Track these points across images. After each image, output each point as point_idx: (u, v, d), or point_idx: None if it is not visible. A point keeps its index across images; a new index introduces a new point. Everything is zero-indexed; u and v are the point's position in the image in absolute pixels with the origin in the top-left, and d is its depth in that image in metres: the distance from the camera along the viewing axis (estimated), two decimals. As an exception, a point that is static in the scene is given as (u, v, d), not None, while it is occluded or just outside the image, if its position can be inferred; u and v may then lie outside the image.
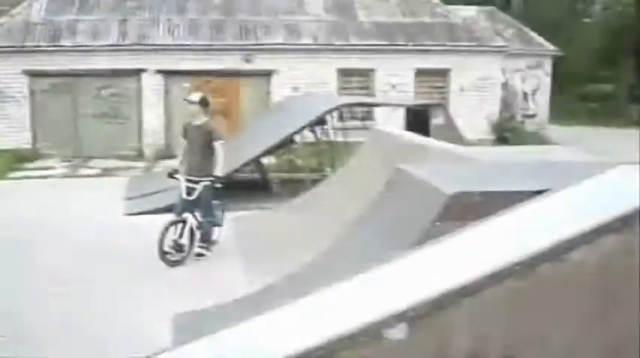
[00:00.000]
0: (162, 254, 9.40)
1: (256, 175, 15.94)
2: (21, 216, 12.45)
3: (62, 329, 7.07)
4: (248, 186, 14.81)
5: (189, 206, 9.78)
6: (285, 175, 16.26)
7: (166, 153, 20.92)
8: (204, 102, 10.04)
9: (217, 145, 9.77)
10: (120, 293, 8.26)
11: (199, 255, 9.93)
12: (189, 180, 9.78)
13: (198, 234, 9.91)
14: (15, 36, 21.93)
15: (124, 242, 10.75)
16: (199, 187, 9.68)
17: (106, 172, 18.80)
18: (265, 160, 15.72)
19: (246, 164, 14.00)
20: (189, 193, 9.72)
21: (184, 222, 9.71)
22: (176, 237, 9.62)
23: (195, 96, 10.17)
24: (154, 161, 20.50)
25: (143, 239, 10.29)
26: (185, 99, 10.28)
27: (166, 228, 9.51)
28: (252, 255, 9.79)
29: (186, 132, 10.13)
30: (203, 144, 9.80)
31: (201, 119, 9.96)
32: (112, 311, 7.61)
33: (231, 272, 9.07)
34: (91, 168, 19.55)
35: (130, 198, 14.34)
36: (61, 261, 9.67)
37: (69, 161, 20.52)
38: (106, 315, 7.46)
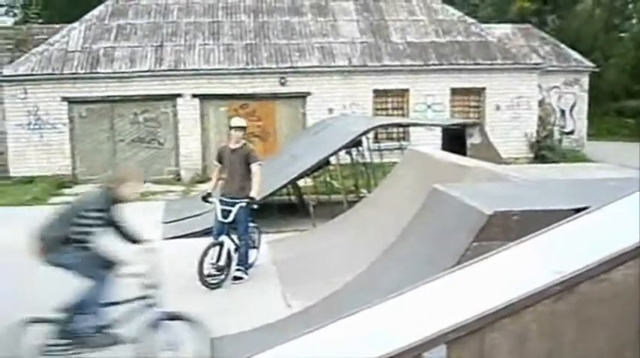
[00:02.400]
0: (202, 277, 9.46)
1: (293, 197, 15.97)
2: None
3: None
4: (285, 209, 14.83)
5: (225, 228, 9.84)
6: (322, 197, 16.25)
7: (203, 177, 21.06)
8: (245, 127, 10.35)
9: (255, 167, 9.88)
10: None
11: (237, 278, 9.94)
12: (224, 202, 9.87)
13: (235, 257, 9.94)
14: (54, 64, 22.31)
15: (162, 266, 10.78)
16: (235, 209, 9.73)
17: (143, 197, 18.93)
18: (301, 182, 15.73)
19: (282, 187, 14.03)
20: (225, 216, 9.79)
21: (222, 244, 9.76)
22: (214, 260, 9.67)
23: (241, 121, 10.40)
24: (190, 185, 20.64)
25: (181, 263, 10.33)
26: (231, 126, 10.32)
27: (205, 252, 9.57)
28: (290, 278, 9.78)
29: (221, 155, 10.22)
30: (240, 166, 9.91)
31: (239, 142, 10.08)
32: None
33: (268, 296, 9.06)
34: (129, 192, 19.69)
35: (167, 222, 14.43)
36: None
37: (108, 186, 20.71)
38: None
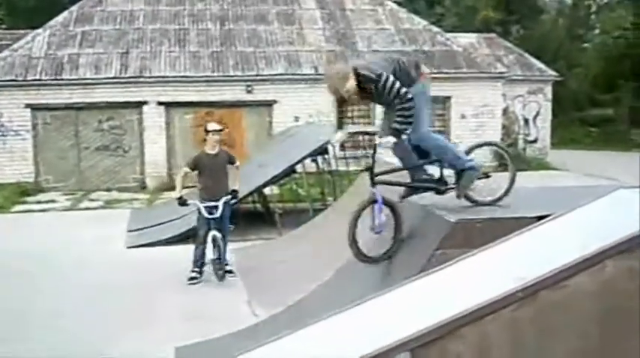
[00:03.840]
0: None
1: (258, 206, 15.93)
2: (23, 250, 12.43)
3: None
4: (250, 217, 14.79)
5: (212, 224, 10.09)
6: (288, 205, 16.24)
7: (169, 185, 20.91)
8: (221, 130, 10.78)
9: (236, 166, 10.44)
10: (125, 324, 8.22)
11: (193, 278, 10.24)
12: (207, 202, 10.15)
13: (225, 250, 10.25)
14: (17, 70, 22.03)
15: (126, 275, 10.73)
16: (221, 204, 10.08)
17: (108, 205, 18.79)
18: (267, 190, 15.71)
19: (249, 194, 13.99)
20: (210, 212, 10.07)
21: (214, 240, 10.04)
22: (214, 256, 10.05)
23: (217, 126, 10.72)
24: (156, 192, 20.50)
25: (145, 271, 10.28)
26: (208, 130, 10.54)
27: (203, 252, 10.18)
28: (255, 286, 9.75)
29: (199, 162, 10.39)
30: (222, 170, 10.35)
31: (215, 147, 10.44)
32: (116, 340, 7.56)
33: (234, 304, 9.02)
34: (93, 200, 19.53)
35: (132, 231, 14.32)
36: (61, 293, 9.65)
37: (71, 194, 20.50)
38: (109, 343, 7.42)
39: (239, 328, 7.68)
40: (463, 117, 23.68)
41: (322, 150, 14.36)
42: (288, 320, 7.05)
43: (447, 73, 23.39)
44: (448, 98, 23.55)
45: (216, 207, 10.06)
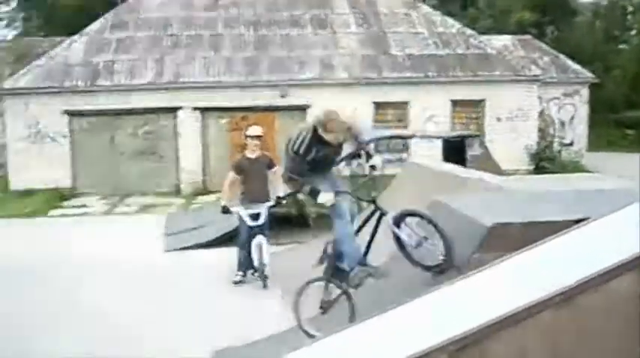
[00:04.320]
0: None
1: (292, 210, 15.92)
2: (60, 255, 12.58)
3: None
4: (283, 221, 14.80)
5: (256, 230, 10.17)
6: (321, 209, 16.21)
7: (204, 189, 21.09)
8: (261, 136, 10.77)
9: (278, 170, 10.07)
10: (165, 325, 8.29)
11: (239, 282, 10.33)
12: (249, 208, 10.19)
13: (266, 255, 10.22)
14: (54, 77, 22.36)
15: (166, 278, 10.84)
16: (264, 210, 10.17)
17: (144, 209, 18.96)
18: (301, 195, 15.69)
19: (283, 198, 13.99)
20: (255, 218, 10.13)
21: (260, 245, 10.12)
22: (258, 261, 10.11)
23: (257, 130, 10.73)
24: (191, 197, 20.64)
25: (185, 274, 10.39)
26: (248, 135, 10.65)
27: (249, 259, 10.21)
28: (291, 290, 9.75)
29: (240, 166, 10.47)
30: (262, 173, 10.44)
31: (256, 151, 10.54)
32: (154, 339, 7.63)
33: (270, 307, 9.04)
34: (128, 205, 19.73)
35: (169, 235, 14.42)
36: (101, 297, 9.74)
37: (107, 198, 20.70)
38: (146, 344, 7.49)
39: (275, 332, 7.70)
40: (498, 120, 23.49)
41: (356, 154, 14.32)
42: (325, 323, 7.04)
43: (481, 76, 23.26)
44: (483, 101, 23.39)
45: (259, 214, 10.13)
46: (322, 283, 6.89)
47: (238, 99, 22.13)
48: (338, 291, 6.75)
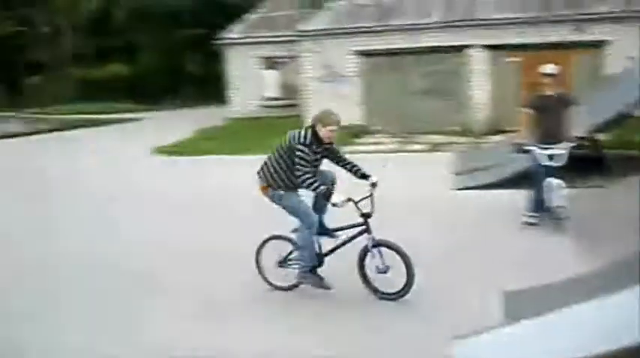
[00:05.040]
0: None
1: (588, 151, 15.13)
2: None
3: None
4: (580, 163, 14.12)
5: (551, 171, 9.72)
6: (618, 152, 15.25)
7: (493, 128, 20.67)
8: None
9: (576, 109, 9.94)
10: (459, 265, 8.28)
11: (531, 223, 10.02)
12: (545, 149, 9.76)
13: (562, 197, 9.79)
14: (345, 18, 22.97)
15: (452, 216, 10.84)
16: (564, 151, 9.67)
17: (433, 148, 19.04)
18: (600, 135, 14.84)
19: (580, 139, 13.34)
20: (551, 159, 9.71)
21: (554, 187, 9.69)
22: (552, 203, 9.70)
23: (553, 68, 10.13)
24: (480, 136, 20.35)
25: (475, 213, 10.32)
26: (544, 73, 10.10)
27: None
28: (582, 236, 9.29)
29: (535, 104, 10.06)
30: (558, 112, 9.88)
31: (552, 89, 10.01)
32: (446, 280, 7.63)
33: (561, 250, 8.68)
34: (418, 143, 19.89)
35: (458, 173, 14.34)
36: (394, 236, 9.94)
37: (397, 137, 21.02)
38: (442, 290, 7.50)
39: (567, 276, 7.35)
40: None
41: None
42: (615, 276, 6.61)
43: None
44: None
45: (556, 154, 9.65)
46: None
47: (531, 35, 21.27)
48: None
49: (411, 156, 17.98)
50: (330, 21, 23.17)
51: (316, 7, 25.32)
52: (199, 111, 34.53)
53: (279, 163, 7.31)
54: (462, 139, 20.04)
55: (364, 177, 7.44)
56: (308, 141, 7.09)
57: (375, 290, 7.37)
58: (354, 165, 7.56)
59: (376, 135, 21.54)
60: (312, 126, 7.19)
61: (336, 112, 7.33)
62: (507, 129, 18.82)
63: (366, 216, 7.21)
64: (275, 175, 7.34)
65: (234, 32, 28.87)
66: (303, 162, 7.02)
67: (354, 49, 22.66)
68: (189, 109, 36.95)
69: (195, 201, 13.27)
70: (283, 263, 7.78)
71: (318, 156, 7.28)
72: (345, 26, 22.81)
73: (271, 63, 28.10)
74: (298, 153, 7.04)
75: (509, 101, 19.54)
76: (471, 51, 21.82)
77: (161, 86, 40.52)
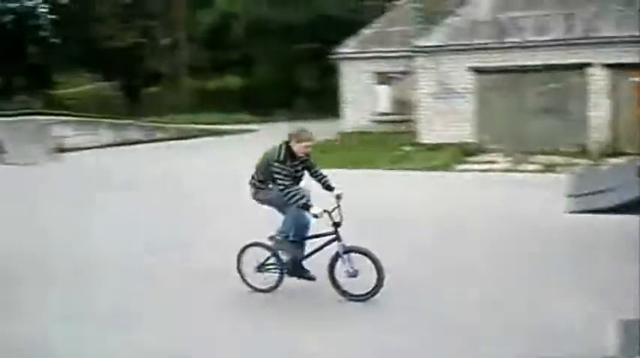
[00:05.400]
0: None
1: None
2: (475, 206, 12.97)
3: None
4: None
5: None
6: None
7: (613, 150, 20.09)
8: None
9: None
10: (556, 290, 8.13)
11: None
12: None
13: None
14: (461, 34, 22.85)
15: (566, 240, 10.63)
16: None
17: (547, 168, 18.67)
18: None
19: None
20: None
21: None
22: None
23: None
24: (598, 158, 19.78)
25: (586, 239, 10.09)
26: None
27: None
28: None
29: None
30: None
31: None
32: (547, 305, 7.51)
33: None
34: (531, 163, 19.55)
35: (573, 196, 14.00)
36: (482, 254, 9.84)
37: (511, 155, 20.68)
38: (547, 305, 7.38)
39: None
40: None
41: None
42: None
43: None
44: None
45: None
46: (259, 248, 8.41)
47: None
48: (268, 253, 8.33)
49: (524, 176, 17.70)
50: (445, 37, 23.11)
51: (431, 22, 25.25)
52: (312, 124, 34.87)
53: (262, 175, 8.14)
54: (579, 160, 19.53)
55: (329, 189, 8.13)
56: (282, 158, 7.81)
57: (344, 293, 7.94)
58: (325, 179, 8.23)
59: (489, 154, 21.28)
60: (287, 143, 7.90)
61: (310, 131, 8.06)
62: (628, 151, 18.31)
63: (337, 225, 7.77)
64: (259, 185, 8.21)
65: (348, 47, 29.09)
66: (280, 177, 7.74)
67: (470, 65, 22.52)
68: (303, 122, 37.43)
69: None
70: (261, 268, 8.42)
71: (298, 167, 8.02)
72: (461, 43, 22.69)
73: (385, 78, 28.14)
74: (274, 169, 7.77)
75: (630, 122, 18.99)
76: (590, 69, 21.29)
77: (275, 99, 41.16)
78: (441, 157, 20.14)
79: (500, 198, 14.26)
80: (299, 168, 8.04)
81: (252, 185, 8.33)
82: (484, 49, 22.32)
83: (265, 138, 30.21)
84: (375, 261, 7.62)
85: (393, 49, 27.52)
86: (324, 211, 7.68)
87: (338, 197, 7.93)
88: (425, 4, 26.97)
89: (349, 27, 31.03)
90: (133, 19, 44.66)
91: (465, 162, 19.91)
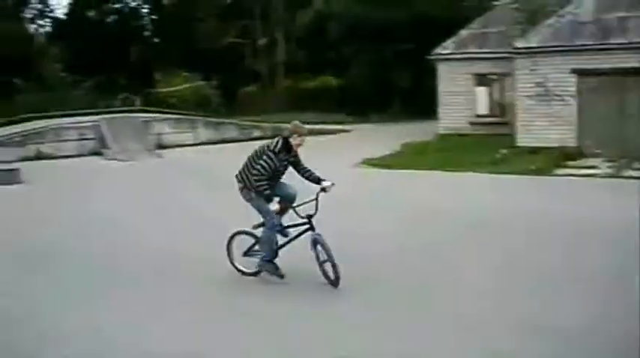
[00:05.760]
0: None
1: None
2: (564, 212, 12.77)
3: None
4: None
5: None
6: None
7: None
8: None
9: None
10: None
11: None
12: None
13: None
14: (563, 35, 22.40)
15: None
16: None
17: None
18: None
19: None
20: None
21: None
22: None
23: None
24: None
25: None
26: None
27: None
28: None
29: None
30: None
31: None
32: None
33: None
34: (635, 169, 18.97)
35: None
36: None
37: (612, 161, 20.09)
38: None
39: None
40: None
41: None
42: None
43: None
44: None
45: None
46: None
47: None
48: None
49: (628, 182, 17.17)
50: (546, 38, 22.69)
51: (531, 23, 24.83)
52: (408, 125, 34.69)
53: (249, 168, 8.71)
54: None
55: (318, 181, 8.76)
56: (277, 150, 8.51)
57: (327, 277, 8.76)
58: (312, 173, 8.85)
59: (591, 159, 20.76)
60: (286, 137, 8.56)
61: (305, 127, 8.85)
62: None
63: (310, 216, 8.63)
64: (248, 178, 8.71)
65: (445, 48, 28.86)
66: (264, 165, 8.42)
67: (572, 67, 22.05)
68: (398, 123, 37.20)
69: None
70: (247, 253, 9.30)
71: (285, 163, 8.68)
72: (563, 44, 22.24)
73: (483, 80, 27.79)
74: (264, 157, 8.46)
75: None
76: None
77: (370, 99, 41.05)
78: (540, 161, 19.77)
79: (598, 204, 13.97)
80: (285, 163, 8.70)
81: (242, 182, 8.91)
82: (587, 50, 21.82)
83: (358, 138, 30.43)
84: (327, 251, 8.54)
85: (492, 50, 27.19)
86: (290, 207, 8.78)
87: (323, 189, 8.67)
88: (525, 4, 26.58)
89: (445, 27, 30.76)
90: (232, 19, 45.43)
91: (566, 167, 19.51)
